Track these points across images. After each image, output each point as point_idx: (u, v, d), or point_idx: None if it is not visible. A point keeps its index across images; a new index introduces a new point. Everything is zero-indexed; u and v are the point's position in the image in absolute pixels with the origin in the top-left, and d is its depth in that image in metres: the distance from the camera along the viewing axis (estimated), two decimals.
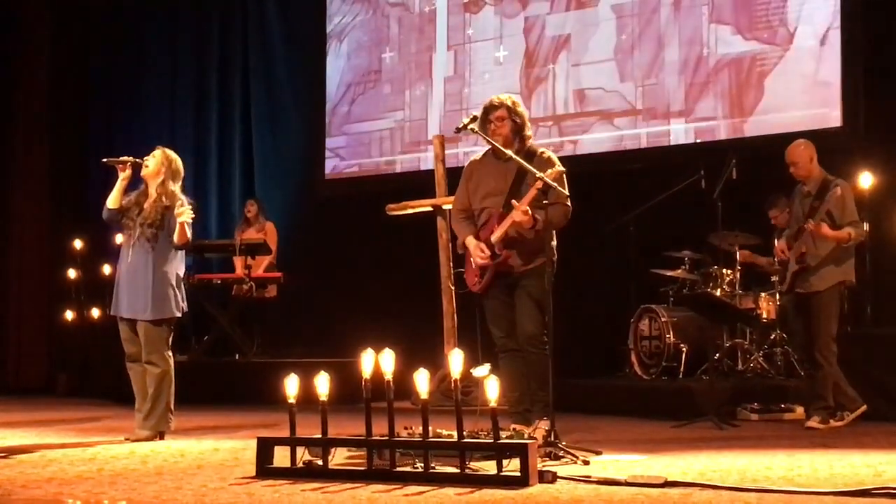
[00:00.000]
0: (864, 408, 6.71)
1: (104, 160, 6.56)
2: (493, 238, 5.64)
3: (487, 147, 5.85)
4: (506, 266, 5.66)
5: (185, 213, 6.15)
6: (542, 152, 5.79)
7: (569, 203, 5.65)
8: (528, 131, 5.81)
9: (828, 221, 6.65)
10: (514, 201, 5.50)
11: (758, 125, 8.98)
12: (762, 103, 8.98)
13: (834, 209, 6.63)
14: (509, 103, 5.77)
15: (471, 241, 5.75)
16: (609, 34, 9.78)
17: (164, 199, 6.27)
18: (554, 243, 5.65)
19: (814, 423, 6.57)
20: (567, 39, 10.03)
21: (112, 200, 6.35)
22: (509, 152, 5.62)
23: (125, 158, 6.40)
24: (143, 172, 6.35)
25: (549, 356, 5.59)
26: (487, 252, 5.66)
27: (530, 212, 5.45)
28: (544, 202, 5.30)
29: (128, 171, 6.37)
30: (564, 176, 5.66)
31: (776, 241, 8.21)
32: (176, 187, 6.36)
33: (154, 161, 6.35)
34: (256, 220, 10.65)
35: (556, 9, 10.12)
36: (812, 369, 6.77)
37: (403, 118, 10.98)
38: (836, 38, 8.66)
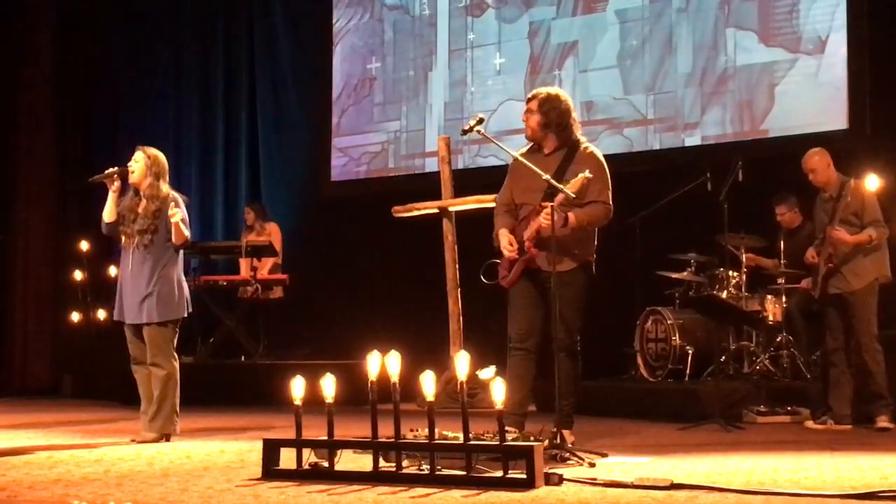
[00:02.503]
0: (849, 427, 6.66)
1: (90, 179, 6.57)
2: (526, 235, 5.52)
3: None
4: (533, 264, 5.54)
5: (176, 214, 6.18)
6: (586, 147, 5.63)
7: (608, 201, 5.53)
8: (573, 125, 5.64)
9: (855, 221, 6.69)
10: (542, 203, 5.37)
11: (769, 129, 8.95)
12: (776, 111, 8.89)
13: (855, 206, 6.65)
14: (542, 95, 5.64)
15: (502, 233, 5.62)
16: (619, 40, 9.64)
17: (154, 201, 6.29)
18: (595, 243, 5.63)
19: (883, 422, 6.55)
20: (574, 45, 9.89)
21: (107, 215, 6.38)
22: (515, 153, 5.59)
23: (110, 171, 6.39)
24: (131, 180, 6.36)
25: (576, 365, 5.55)
26: (515, 246, 5.54)
27: (555, 216, 5.26)
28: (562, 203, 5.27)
29: (116, 183, 6.38)
30: (608, 173, 5.57)
31: (782, 242, 8.22)
32: (164, 185, 6.36)
33: (138, 166, 6.34)
34: (256, 224, 10.64)
35: (563, 13, 9.99)
36: (862, 368, 6.73)
37: (400, 129, 10.80)
38: (842, 41, 8.65)
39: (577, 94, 9.76)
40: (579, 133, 5.72)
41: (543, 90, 5.74)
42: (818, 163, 6.85)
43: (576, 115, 5.74)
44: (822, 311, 7.11)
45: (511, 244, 5.56)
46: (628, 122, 9.58)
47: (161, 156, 6.43)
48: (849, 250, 6.70)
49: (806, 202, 8.35)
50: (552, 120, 5.60)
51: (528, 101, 5.72)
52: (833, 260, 6.74)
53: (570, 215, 5.38)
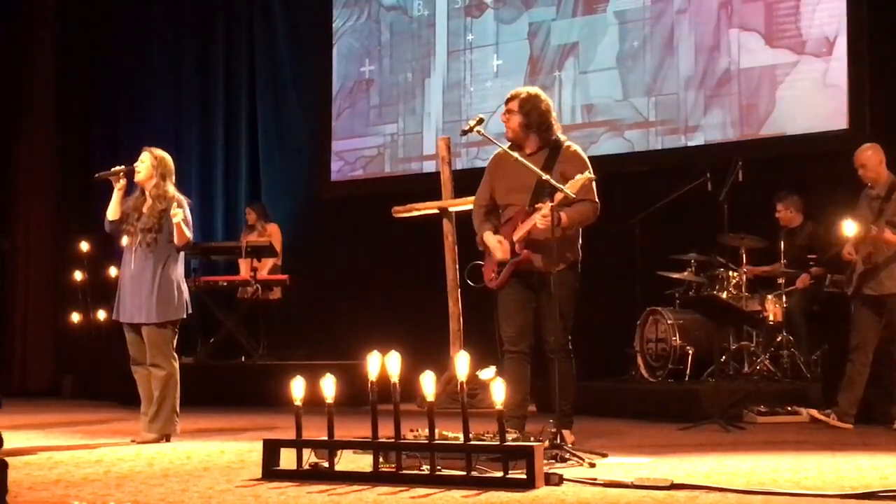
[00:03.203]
0: (850, 427, 6.64)
1: (97, 175, 6.63)
2: (516, 237, 5.49)
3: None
4: (526, 265, 5.51)
5: (178, 214, 6.20)
6: (569, 146, 5.62)
7: (596, 199, 5.51)
8: (553, 124, 5.61)
9: None
10: (538, 205, 5.35)
11: (770, 130, 8.89)
12: (778, 113, 8.80)
13: None
14: (523, 96, 5.62)
15: (490, 236, 5.59)
16: (619, 42, 9.53)
17: (160, 201, 6.30)
18: (580, 242, 5.61)
19: None
20: (574, 46, 9.77)
21: (111, 213, 6.40)
22: (516, 154, 5.51)
23: (117, 169, 6.43)
24: (137, 179, 6.40)
25: (572, 364, 5.54)
26: (507, 247, 5.51)
27: (552, 216, 5.25)
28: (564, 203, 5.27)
29: (122, 182, 6.40)
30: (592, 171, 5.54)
31: (782, 241, 8.22)
32: (170, 186, 6.39)
33: (144, 166, 6.37)
34: (258, 225, 10.64)
35: (563, 14, 9.87)
36: (890, 371, 6.73)
37: (396, 132, 10.68)
38: (842, 42, 8.61)
39: (578, 95, 9.69)
40: (559, 132, 5.70)
41: (523, 90, 5.72)
42: (870, 158, 6.72)
43: (555, 114, 5.73)
44: (825, 311, 7.09)
45: (502, 243, 5.53)
46: (629, 125, 9.47)
47: (167, 157, 6.45)
48: (891, 253, 6.63)
49: (809, 201, 8.37)
50: (533, 120, 5.58)
51: (508, 101, 5.67)
52: (873, 259, 6.66)
53: (563, 215, 5.36)
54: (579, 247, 5.66)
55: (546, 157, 5.57)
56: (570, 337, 5.58)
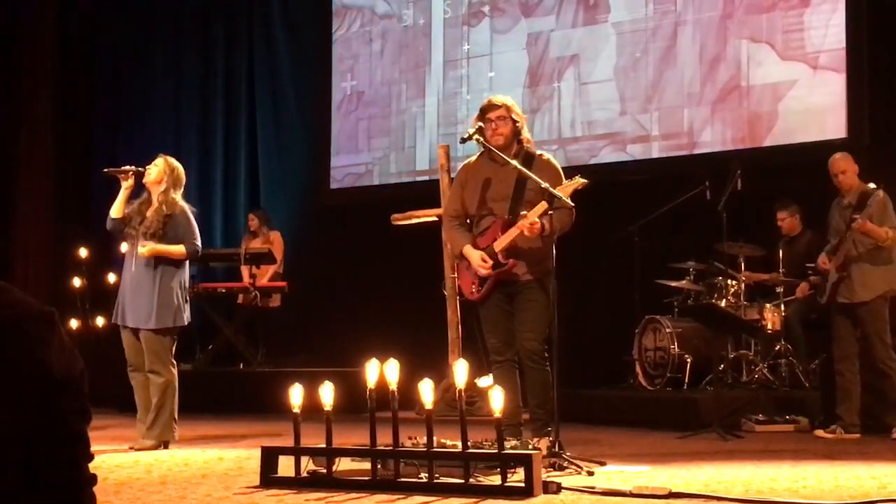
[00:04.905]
0: (857, 436, 6.65)
1: (105, 171, 6.61)
2: (498, 247, 5.46)
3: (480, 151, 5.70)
4: (509, 275, 5.48)
5: (146, 247, 6.17)
6: (541, 155, 5.64)
7: (571, 206, 5.46)
8: (526, 133, 5.65)
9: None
10: (524, 212, 5.33)
11: (772, 142, 8.81)
12: (780, 125, 8.73)
13: (876, 213, 6.60)
14: (508, 102, 5.64)
15: (471, 252, 5.52)
16: (621, 53, 9.40)
17: (165, 207, 6.30)
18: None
19: None
20: (574, 58, 9.62)
21: (115, 210, 6.38)
22: (514, 162, 5.48)
23: (126, 168, 6.42)
24: (145, 181, 6.38)
25: (549, 372, 5.53)
26: (490, 262, 5.46)
27: (548, 224, 5.27)
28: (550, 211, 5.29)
29: (130, 181, 6.38)
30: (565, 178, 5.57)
31: (781, 250, 8.22)
32: (177, 195, 6.38)
33: (156, 169, 6.36)
34: (260, 231, 10.65)
35: (562, 24, 9.72)
36: (877, 380, 6.73)
37: (389, 146, 10.53)
38: (842, 52, 8.59)
39: (578, 107, 9.55)
40: (531, 143, 5.73)
41: (507, 99, 5.72)
42: (849, 165, 6.80)
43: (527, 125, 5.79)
44: (823, 320, 7.09)
45: (485, 260, 5.47)
46: (631, 138, 9.33)
47: (180, 168, 6.45)
48: (867, 260, 6.63)
49: (807, 211, 8.38)
50: (520, 126, 5.62)
51: (496, 108, 5.59)
52: (845, 267, 6.66)
53: (545, 223, 5.37)
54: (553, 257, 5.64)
55: (521, 165, 5.55)
56: (546, 345, 5.55)
